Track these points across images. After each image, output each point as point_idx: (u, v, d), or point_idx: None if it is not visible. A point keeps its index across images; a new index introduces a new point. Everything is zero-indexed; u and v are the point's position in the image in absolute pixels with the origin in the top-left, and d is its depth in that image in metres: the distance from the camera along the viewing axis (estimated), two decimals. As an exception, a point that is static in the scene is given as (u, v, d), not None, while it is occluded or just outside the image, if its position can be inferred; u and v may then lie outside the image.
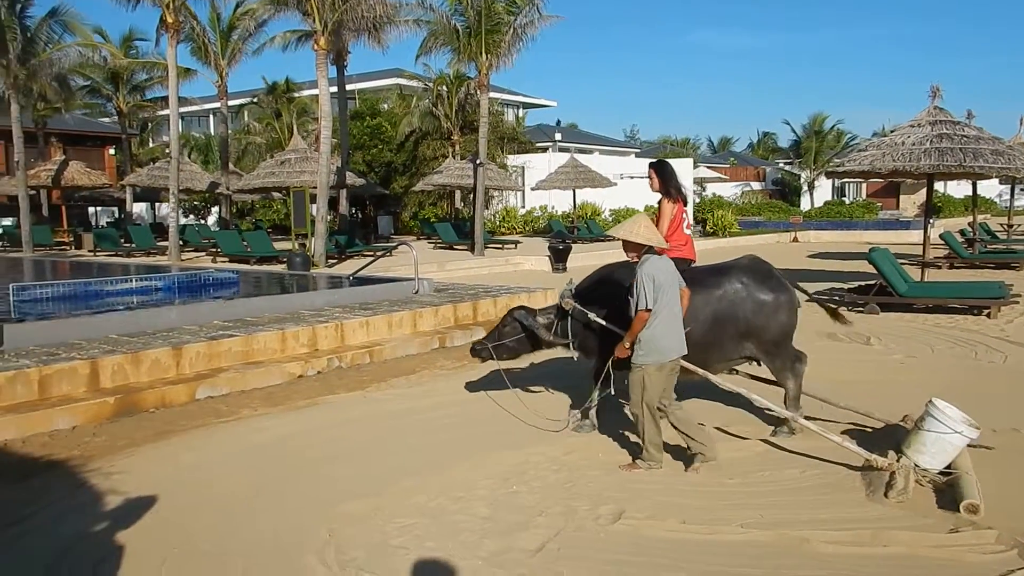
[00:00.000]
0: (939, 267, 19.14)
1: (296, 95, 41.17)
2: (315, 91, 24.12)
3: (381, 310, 10.66)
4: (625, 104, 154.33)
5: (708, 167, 55.00)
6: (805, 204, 52.24)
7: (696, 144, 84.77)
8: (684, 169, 41.42)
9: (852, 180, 48.71)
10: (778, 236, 34.50)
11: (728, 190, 53.05)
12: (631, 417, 5.70)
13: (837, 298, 13.79)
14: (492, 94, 25.89)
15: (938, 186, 45.23)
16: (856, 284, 14.33)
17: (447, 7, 23.39)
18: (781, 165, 62.66)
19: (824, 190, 54.60)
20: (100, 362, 7.47)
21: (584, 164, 31.88)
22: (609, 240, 30.33)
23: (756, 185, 59.47)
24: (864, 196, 53.59)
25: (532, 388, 7.60)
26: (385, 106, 39.99)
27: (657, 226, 6.19)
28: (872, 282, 13.25)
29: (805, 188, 55.47)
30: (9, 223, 33.88)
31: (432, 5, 23.36)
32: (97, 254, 25.80)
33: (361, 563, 4.16)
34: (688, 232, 6.62)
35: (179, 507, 4.96)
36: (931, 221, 15.96)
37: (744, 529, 4.51)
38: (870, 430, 6.26)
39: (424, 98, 37.22)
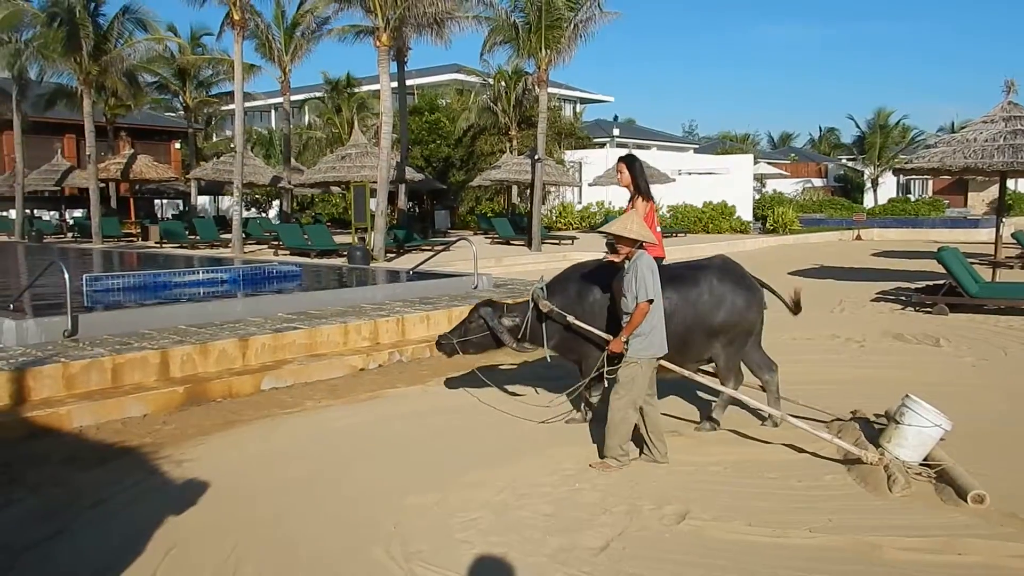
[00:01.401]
0: (1011, 267, 18.55)
1: (356, 90, 41.64)
2: (375, 86, 24.40)
3: (441, 305, 10.72)
4: (684, 99, 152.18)
5: (768, 163, 54.09)
6: (868, 201, 51.06)
7: (756, 140, 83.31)
8: (744, 165, 40.94)
9: (918, 177, 47.51)
10: (840, 234, 33.81)
11: (789, 186, 52.13)
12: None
13: (904, 298, 13.47)
14: (550, 89, 25.82)
15: (1009, 183, 43.73)
16: (924, 284, 13.95)
17: (507, 3, 23.45)
18: (844, 161, 61.31)
19: (888, 187, 53.26)
20: (170, 352, 7.67)
21: (642, 160, 31.60)
22: (667, 236, 30.05)
23: (818, 182, 58.32)
24: (930, 193, 52.14)
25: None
26: (443, 102, 40.22)
27: None
28: (941, 282, 12.89)
29: (868, 185, 54.19)
30: (80, 214, 34.97)
31: (492, 2, 23.42)
32: (163, 246, 26.46)
33: (426, 556, 4.20)
34: (658, 230, 6.66)
35: (247, 495, 5.06)
36: (1002, 220, 15.45)
37: (813, 533, 4.42)
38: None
39: (482, 93, 37.35)
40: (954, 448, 5.50)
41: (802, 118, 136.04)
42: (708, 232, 32.48)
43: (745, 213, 36.09)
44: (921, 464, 5.24)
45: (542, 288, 6.28)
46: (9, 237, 30.43)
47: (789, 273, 18.94)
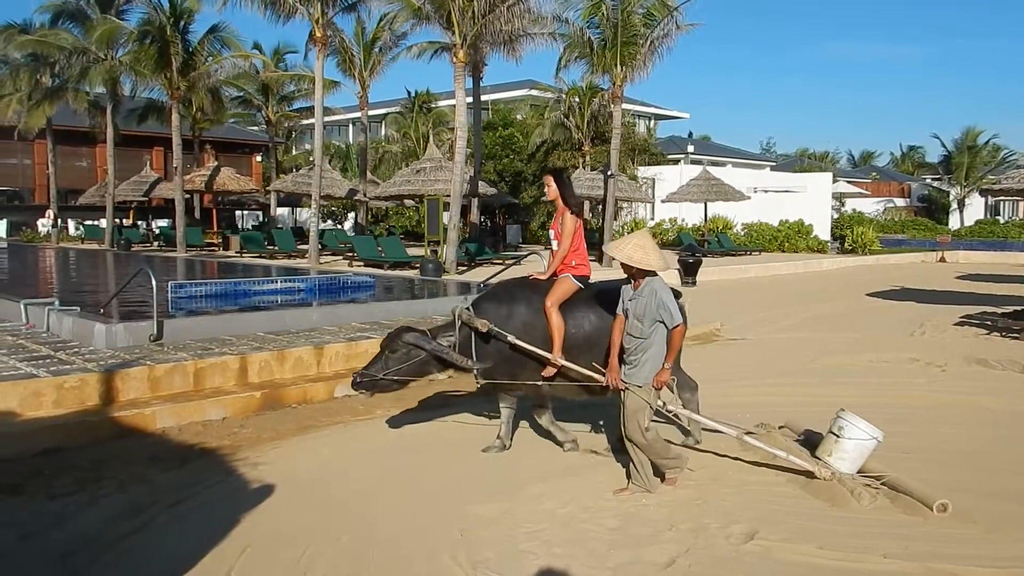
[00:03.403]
0: (1107, 293, 17.70)
1: (433, 106, 42.33)
2: (451, 101, 24.78)
3: (510, 318, 10.78)
4: (761, 116, 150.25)
5: (848, 182, 52.84)
6: (954, 222, 49.42)
7: (836, 158, 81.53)
8: (822, 183, 40.08)
9: (1008, 198, 45.85)
10: (923, 255, 32.79)
11: (869, 206, 50.79)
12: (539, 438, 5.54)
13: (990, 323, 13.00)
14: (624, 105, 25.79)
15: (1107, 205, 41.72)
16: (1011, 308, 13.43)
17: (582, 21, 23.55)
18: (928, 181, 59.47)
19: (976, 208, 51.45)
20: (248, 358, 7.92)
21: (717, 177, 31.29)
22: (742, 255, 29.63)
23: (900, 201, 56.71)
24: (1021, 215, 50.15)
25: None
26: (518, 117, 40.55)
27: (560, 242, 6.02)
28: (1030, 307, 12.40)
29: (954, 206, 52.44)
30: (165, 224, 36.36)
31: (568, 19, 23.57)
32: (243, 255, 27.27)
33: (492, 565, 4.24)
34: (584, 248, 6.24)
35: (319, 499, 5.20)
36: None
37: (888, 559, 4.30)
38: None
39: (556, 109, 37.54)
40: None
41: (884, 137, 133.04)
42: (783, 251, 31.89)
43: (823, 232, 35.32)
44: (861, 475, 5.36)
45: (468, 308, 5.90)
46: (99, 245, 31.82)
47: (868, 295, 18.47)
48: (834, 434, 5.47)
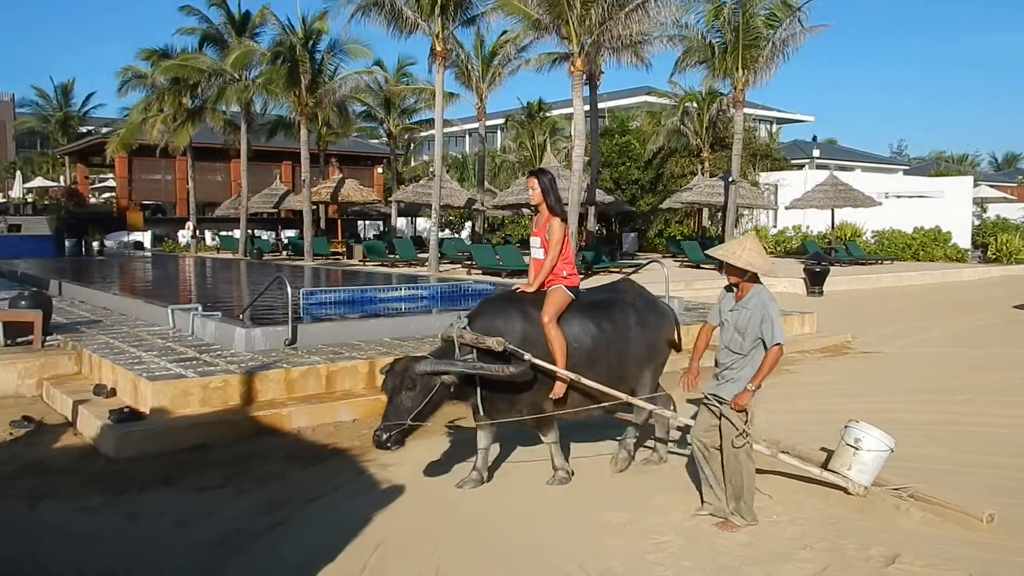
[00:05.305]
0: None
1: (548, 115, 42.57)
2: (566, 110, 24.85)
3: (631, 327, 10.69)
4: (891, 117, 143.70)
5: (990, 186, 49.78)
6: (1113, 228, 45.74)
7: (976, 160, 77.01)
8: (961, 188, 38.02)
9: None
10: (1077, 265, 30.47)
11: (1015, 212, 47.63)
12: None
13: None
14: (745, 110, 25.19)
15: None
16: None
17: (703, 24, 23.19)
18: (1082, 184, 55.39)
19: None
20: (377, 362, 8.11)
21: (845, 182, 30.10)
22: (872, 263, 28.35)
23: (1050, 207, 52.99)
24: None
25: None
26: (635, 124, 40.27)
27: (547, 250, 5.56)
28: None
29: (1114, 211, 48.56)
30: (293, 234, 37.92)
31: (687, 23, 23.25)
32: (366, 264, 28.13)
33: (619, 574, 4.22)
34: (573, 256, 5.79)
35: (446, 500, 5.32)
36: None
37: (1044, 588, 4.04)
38: None
39: (672, 115, 37.07)
40: None
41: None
42: (918, 259, 30.32)
43: (962, 240, 33.40)
44: (887, 489, 5.20)
45: (464, 326, 5.35)
46: (233, 255, 33.50)
47: (1015, 307, 17.34)
48: (851, 446, 5.23)
